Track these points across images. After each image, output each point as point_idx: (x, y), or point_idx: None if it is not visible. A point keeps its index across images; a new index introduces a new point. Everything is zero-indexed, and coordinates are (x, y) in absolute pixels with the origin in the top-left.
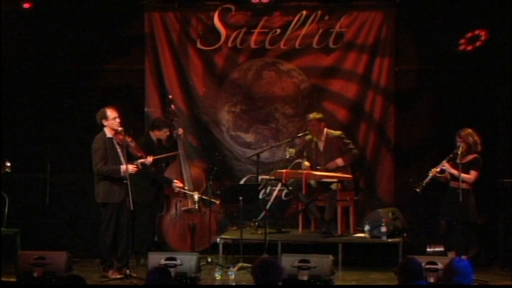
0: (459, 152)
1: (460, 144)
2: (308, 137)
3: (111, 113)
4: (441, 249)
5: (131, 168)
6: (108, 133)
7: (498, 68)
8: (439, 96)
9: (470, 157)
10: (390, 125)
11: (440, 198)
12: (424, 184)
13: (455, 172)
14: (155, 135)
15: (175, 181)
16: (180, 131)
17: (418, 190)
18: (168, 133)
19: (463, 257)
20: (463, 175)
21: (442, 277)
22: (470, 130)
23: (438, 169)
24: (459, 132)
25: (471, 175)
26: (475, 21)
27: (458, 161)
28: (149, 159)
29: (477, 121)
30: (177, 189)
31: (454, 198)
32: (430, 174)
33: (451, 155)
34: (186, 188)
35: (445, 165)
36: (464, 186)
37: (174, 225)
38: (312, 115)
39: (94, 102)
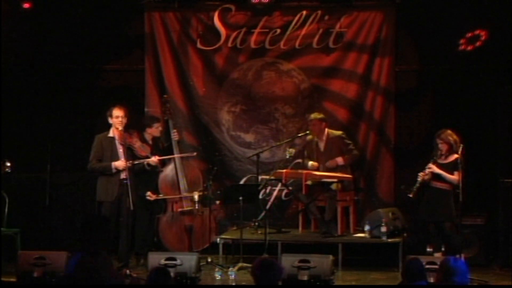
0: (442, 153)
1: (441, 145)
2: (309, 137)
3: (115, 112)
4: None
5: (124, 164)
6: (112, 132)
7: (498, 68)
8: (439, 96)
9: (452, 157)
10: (390, 125)
11: None
12: (415, 190)
13: (444, 173)
14: (149, 133)
15: (148, 193)
16: (175, 133)
17: (411, 196)
18: (160, 128)
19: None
20: (450, 176)
21: (439, 276)
22: (449, 131)
23: (426, 172)
24: (439, 134)
25: (456, 176)
26: (475, 21)
27: (439, 161)
28: (154, 159)
29: (477, 121)
30: (150, 200)
31: (437, 199)
32: (419, 179)
33: (434, 157)
34: (160, 196)
35: (432, 167)
36: (445, 186)
37: (170, 227)
38: (313, 115)
39: (94, 102)
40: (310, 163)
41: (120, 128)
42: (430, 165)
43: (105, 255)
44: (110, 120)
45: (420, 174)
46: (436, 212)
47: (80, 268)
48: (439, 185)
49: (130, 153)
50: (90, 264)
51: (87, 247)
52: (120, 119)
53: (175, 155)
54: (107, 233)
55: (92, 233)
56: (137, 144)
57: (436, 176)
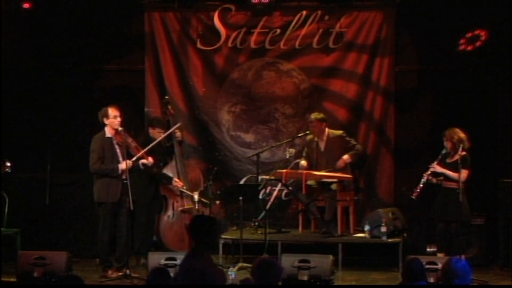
0: (446, 152)
1: (445, 143)
2: (309, 137)
3: (112, 112)
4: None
5: (129, 164)
6: (108, 132)
7: (498, 68)
8: (439, 96)
9: (458, 156)
10: (390, 125)
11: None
12: (418, 190)
13: (447, 172)
14: (151, 133)
15: (175, 179)
16: (178, 133)
17: (413, 197)
18: (162, 134)
19: (463, 256)
20: (454, 174)
21: (441, 278)
22: (455, 129)
23: (429, 172)
24: (445, 132)
25: (463, 174)
26: (475, 21)
27: (447, 160)
28: (150, 159)
29: (477, 121)
30: (176, 187)
31: (447, 198)
32: (423, 179)
33: (439, 156)
34: (185, 187)
35: (435, 167)
36: (454, 185)
37: (171, 226)
38: (313, 116)
39: (94, 102)
40: (302, 162)
41: (120, 128)
42: (434, 164)
43: (209, 256)
44: (106, 121)
45: (424, 174)
46: (446, 212)
47: (188, 270)
48: (448, 184)
49: (128, 153)
50: (197, 266)
51: (196, 249)
52: (119, 119)
53: (160, 138)
54: (215, 234)
55: (201, 235)
56: (133, 144)
57: (446, 176)
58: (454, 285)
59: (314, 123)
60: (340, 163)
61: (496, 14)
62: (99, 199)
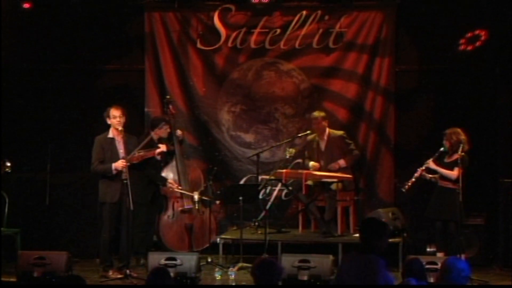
0: (443, 151)
1: (444, 142)
2: (310, 137)
3: (112, 112)
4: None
5: (123, 164)
6: (111, 133)
7: (498, 68)
8: (439, 96)
9: (455, 156)
10: (390, 125)
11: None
12: (410, 184)
13: (440, 169)
14: (156, 134)
15: (169, 181)
16: (179, 132)
17: (404, 190)
18: (169, 130)
19: (462, 256)
20: (446, 172)
21: (439, 276)
22: (456, 129)
23: (424, 168)
24: (446, 131)
25: (454, 172)
26: (475, 21)
27: (445, 160)
28: (163, 147)
29: (477, 121)
30: (171, 189)
31: (442, 198)
32: (416, 174)
33: (436, 154)
34: (180, 188)
35: (430, 163)
36: (450, 185)
37: (171, 226)
38: (316, 113)
39: (94, 102)
40: (311, 163)
41: (120, 128)
42: (429, 161)
43: (374, 258)
44: (108, 121)
45: (419, 169)
46: (442, 211)
47: (349, 270)
48: (444, 184)
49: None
50: (362, 266)
51: (363, 250)
52: (118, 119)
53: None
54: (386, 239)
55: (371, 237)
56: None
57: (441, 175)
58: (454, 285)
59: (318, 120)
60: (334, 166)
61: (496, 14)
62: (101, 200)
